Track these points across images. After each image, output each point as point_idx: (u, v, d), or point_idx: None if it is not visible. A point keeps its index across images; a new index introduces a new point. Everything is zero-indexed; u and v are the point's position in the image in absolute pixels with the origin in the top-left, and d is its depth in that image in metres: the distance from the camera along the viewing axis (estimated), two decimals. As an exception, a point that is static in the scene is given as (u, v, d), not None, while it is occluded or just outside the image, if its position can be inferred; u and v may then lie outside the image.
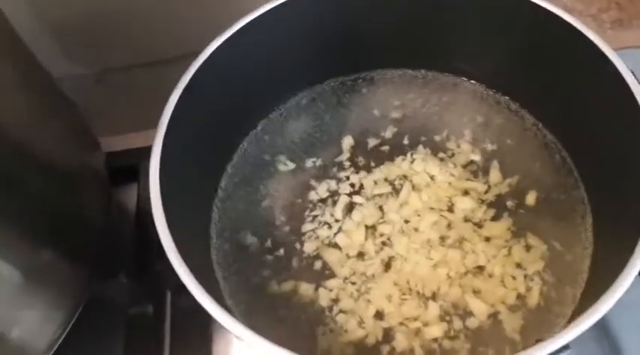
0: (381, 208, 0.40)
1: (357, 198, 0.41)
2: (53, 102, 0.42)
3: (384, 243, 0.39)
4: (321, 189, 0.42)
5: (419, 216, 0.39)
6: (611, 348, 0.40)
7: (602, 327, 0.41)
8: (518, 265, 0.37)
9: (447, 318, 0.35)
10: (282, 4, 0.39)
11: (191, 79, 0.36)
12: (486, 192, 0.40)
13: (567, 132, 0.41)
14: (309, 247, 0.39)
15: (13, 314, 0.33)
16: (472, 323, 0.35)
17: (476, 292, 0.36)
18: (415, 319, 0.35)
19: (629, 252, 0.27)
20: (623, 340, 0.40)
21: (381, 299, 0.36)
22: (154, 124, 0.49)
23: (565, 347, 0.26)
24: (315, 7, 0.40)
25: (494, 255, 0.37)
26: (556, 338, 0.24)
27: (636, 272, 0.26)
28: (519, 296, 0.36)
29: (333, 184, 0.42)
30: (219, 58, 0.38)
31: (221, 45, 0.38)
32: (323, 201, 0.41)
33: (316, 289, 0.37)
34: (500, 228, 0.38)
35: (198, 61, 0.37)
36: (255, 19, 0.39)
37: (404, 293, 0.36)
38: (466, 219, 0.39)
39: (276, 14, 0.39)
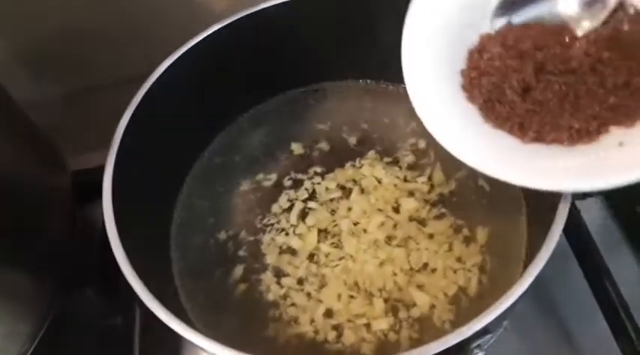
0: (332, 212, 0.43)
1: (311, 204, 0.43)
2: (14, 124, 0.43)
3: (335, 245, 0.41)
4: (282, 200, 0.44)
5: (368, 217, 0.42)
6: (560, 332, 0.42)
7: (549, 311, 0.43)
8: (459, 259, 0.39)
9: (393, 312, 0.37)
10: (229, 25, 0.41)
11: (141, 100, 0.38)
12: (430, 191, 0.43)
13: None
14: (270, 258, 0.41)
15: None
16: (414, 313, 0.37)
17: (419, 286, 0.38)
18: (362, 315, 0.37)
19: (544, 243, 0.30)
20: (571, 323, 0.43)
21: (331, 298, 0.38)
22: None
23: (485, 332, 0.28)
24: (262, 27, 0.43)
25: (436, 251, 0.39)
26: (471, 325, 0.27)
27: (539, 269, 0.28)
28: (460, 288, 0.38)
29: (292, 193, 0.44)
30: (170, 77, 0.40)
31: (171, 65, 0.40)
32: (283, 210, 0.44)
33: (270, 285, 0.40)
34: (442, 226, 0.41)
35: (148, 82, 0.39)
36: (203, 39, 0.41)
37: (352, 292, 0.38)
38: (411, 219, 0.41)
39: (226, 34, 0.42)
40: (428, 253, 0.39)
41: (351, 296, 0.38)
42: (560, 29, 0.29)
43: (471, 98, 0.31)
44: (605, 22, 0.28)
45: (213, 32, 0.41)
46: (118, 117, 0.39)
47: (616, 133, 0.28)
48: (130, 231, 0.34)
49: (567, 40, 0.28)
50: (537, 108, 0.29)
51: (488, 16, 0.31)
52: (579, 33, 0.29)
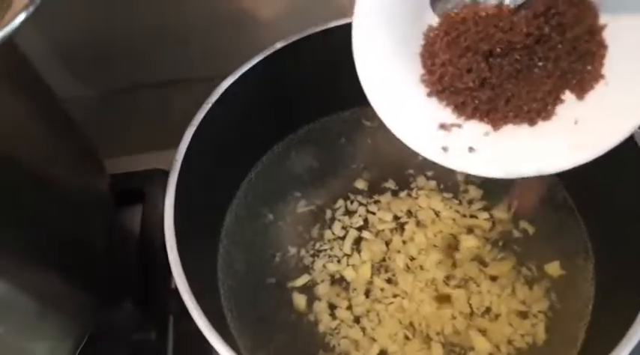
0: (387, 244, 0.41)
1: (365, 234, 0.42)
2: (60, 126, 0.42)
3: (389, 280, 0.39)
4: (336, 227, 0.42)
5: (425, 254, 0.40)
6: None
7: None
8: (523, 303, 0.37)
9: (452, 358, 0.36)
10: (290, 44, 0.40)
11: (205, 116, 0.37)
12: (491, 229, 0.41)
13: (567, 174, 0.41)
14: (322, 288, 0.40)
15: (29, 344, 0.34)
16: (475, 361, 0.35)
17: (481, 331, 0.36)
18: (419, 359, 0.36)
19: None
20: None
21: (385, 338, 0.37)
22: (158, 146, 0.49)
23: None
24: (325, 45, 0.41)
25: (498, 295, 0.38)
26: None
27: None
28: (525, 335, 0.36)
29: (346, 220, 0.42)
30: (232, 94, 0.39)
31: (235, 81, 0.39)
32: (336, 237, 0.42)
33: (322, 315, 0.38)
34: (505, 267, 0.39)
35: (212, 98, 0.38)
36: (266, 57, 0.40)
37: (408, 333, 0.37)
38: (471, 258, 0.40)
39: (286, 52, 0.40)
40: (490, 296, 0.38)
41: (407, 338, 0.36)
42: (495, 12, 0.29)
43: (440, 103, 0.31)
44: None
45: (274, 52, 0.40)
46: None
47: (570, 108, 0.29)
48: (187, 249, 0.33)
49: (506, 22, 0.29)
50: (499, 91, 0.30)
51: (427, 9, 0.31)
52: (511, 5, 0.29)
